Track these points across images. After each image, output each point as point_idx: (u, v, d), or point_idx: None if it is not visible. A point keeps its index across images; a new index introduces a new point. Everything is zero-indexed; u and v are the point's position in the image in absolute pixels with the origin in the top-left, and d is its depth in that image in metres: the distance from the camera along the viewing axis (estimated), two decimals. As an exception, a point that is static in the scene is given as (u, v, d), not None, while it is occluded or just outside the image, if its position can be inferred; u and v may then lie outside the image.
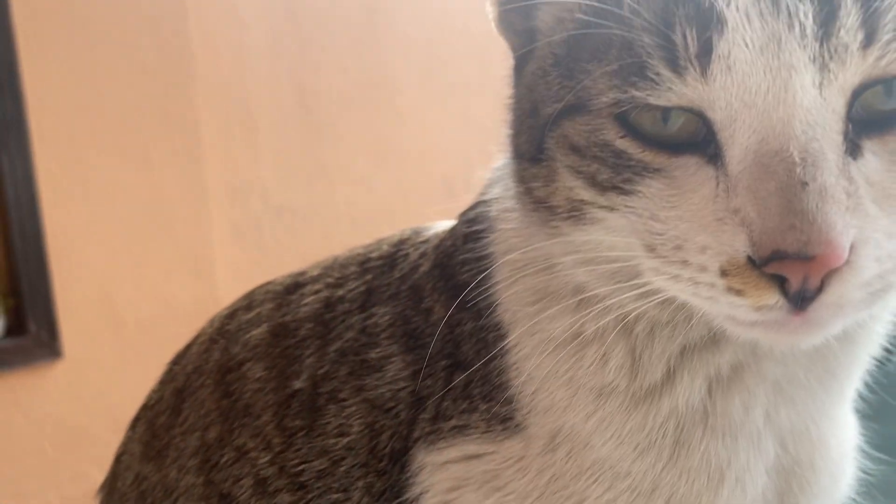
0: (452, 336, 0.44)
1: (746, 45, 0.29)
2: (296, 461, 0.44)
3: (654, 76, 0.31)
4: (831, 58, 0.30)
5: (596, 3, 0.33)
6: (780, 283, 0.31)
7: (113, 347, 2.37)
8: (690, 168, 0.33)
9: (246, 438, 0.47)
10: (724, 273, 0.32)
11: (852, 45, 0.30)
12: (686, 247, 0.32)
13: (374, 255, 0.51)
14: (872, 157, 0.32)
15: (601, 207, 0.35)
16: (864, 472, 0.48)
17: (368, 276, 0.49)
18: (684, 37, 0.30)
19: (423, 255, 0.50)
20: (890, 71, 0.31)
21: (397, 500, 0.43)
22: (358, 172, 2.89)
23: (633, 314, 0.39)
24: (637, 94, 0.32)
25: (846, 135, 0.31)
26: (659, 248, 0.33)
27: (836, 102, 0.31)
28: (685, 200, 0.32)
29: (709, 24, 0.30)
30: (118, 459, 0.53)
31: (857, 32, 0.30)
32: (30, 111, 2.05)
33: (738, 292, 0.32)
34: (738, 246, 0.31)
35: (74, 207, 2.20)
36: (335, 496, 0.43)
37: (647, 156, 0.33)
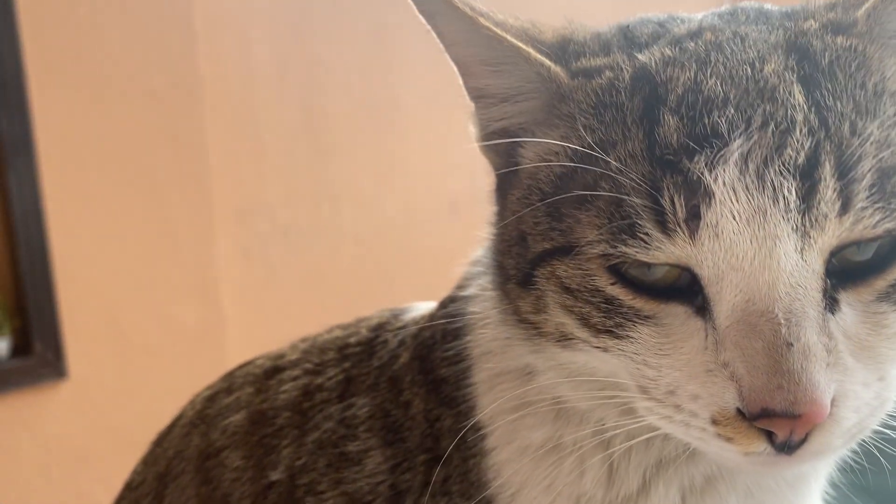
0: (432, 431, 0.44)
1: (733, 217, 0.31)
2: None
3: (643, 236, 0.32)
4: (812, 226, 0.32)
5: (583, 151, 0.33)
6: (768, 434, 0.33)
7: (118, 368, 2.38)
8: (679, 317, 0.34)
9: None
10: (714, 422, 0.33)
11: (830, 213, 0.32)
12: (678, 393, 0.34)
13: (352, 339, 0.51)
14: (848, 309, 0.34)
15: (595, 347, 0.36)
16: None
17: (347, 364, 0.49)
18: (672, 202, 0.31)
19: (401, 343, 0.49)
20: (864, 235, 0.33)
21: None
22: (364, 193, 2.90)
23: (611, 429, 0.39)
24: (627, 250, 0.33)
25: (825, 292, 0.33)
26: (652, 391, 0.34)
27: (816, 263, 0.33)
28: (676, 349, 0.34)
29: (696, 195, 0.31)
30: None
31: (834, 203, 0.32)
32: (37, 133, 2.07)
33: (728, 440, 0.34)
34: (728, 399, 0.33)
35: (81, 228, 2.21)
36: None
37: (638, 302, 0.34)
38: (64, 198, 2.16)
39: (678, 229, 0.32)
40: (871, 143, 0.31)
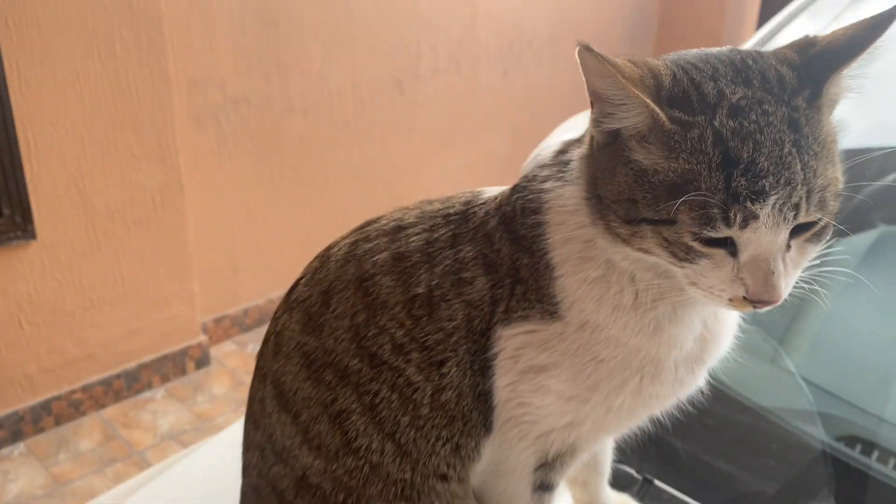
0: (514, 266, 0.68)
1: (765, 227, 0.57)
2: (422, 335, 0.69)
3: (718, 227, 0.57)
4: (791, 224, 0.58)
5: (682, 170, 0.57)
6: (754, 304, 0.61)
7: (84, 230, 2.49)
8: (721, 255, 0.60)
9: (386, 321, 0.70)
10: (730, 300, 0.61)
11: (800, 217, 0.58)
12: (714, 288, 0.61)
13: (451, 211, 0.74)
14: (793, 248, 0.60)
15: (673, 265, 0.61)
16: (737, 336, 0.76)
17: (452, 226, 0.72)
18: (735, 215, 0.56)
19: (487, 213, 0.72)
20: (807, 219, 0.59)
21: (483, 356, 0.68)
22: (312, 66, 2.98)
23: (643, 280, 0.66)
24: (706, 231, 0.58)
25: (787, 244, 0.60)
26: (699, 285, 0.61)
27: (787, 235, 0.59)
28: (718, 271, 0.60)
29: (750, 215, 0.57)
30: (279, 334, 0.74)
31: (803, 213, 0.58)
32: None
33: (734, 305, 0.61)
34: (741, 293, 0.61)
35: (43, 97, 2.25)
36: (448, 354, 0.68)
37: (704, 249, 0.60)
38: (25, 67, 2.19)
39: (736, 225, 0.57)
40: (819, 178, 0.58)
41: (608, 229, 0.63)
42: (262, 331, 3.90)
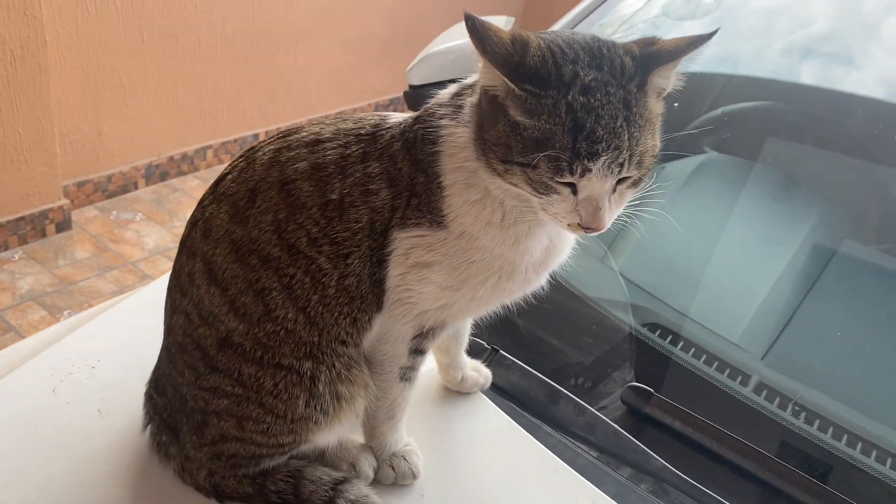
0: (412, 182, 0.84)
1: (597, 177, 0.74)
2: (332, 231, 0.83)
3: (565, 175, 0.73)
4: (616, 177, 0.75)
5: (543, 129, 0.72)
6: (585, 229, 0.78)
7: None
8: (566, 193, 0.76)
9: (304, 219, 0.83)
10: (569, 225, 0.78)
11: (623, 174, 0.75)
12: (558, 215, 0.77)
13: (362, 131, 0.87)
14: (617, 192, 0.77)
15: (532, 195, 0.77)
16: (574, 248, 0.97)
17: (362, 144, 0.86)
18: (577, 167, 0.72)
19: (392, 136, 0.86)
20: (628, 174, 0.76)
21: (381, 252, 0.85)
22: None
23: (510, 205, 0.83)
24: (556, 178, 0.74)
25: (613, 189, 0.76)
26: (548, 211, 0.78)
27: (612, 183, 0.76)
28: (563, 203, 0.76)
29: (585, 169, 0.73)
30: (207, 221, 0.87)
31: (625, 171, 0.75)
32: None
33: (572, 229, 0.79)
34: (577, 221, 0.77)
35: None
36: (353, 248, 0.84)
37: (557, 187, 0.75)
38: None
39: (576, 175, 0.73)
40: (640, 145, 0.74)
41: (488, 165, 0.79)
42: (127, 198, 3.88)
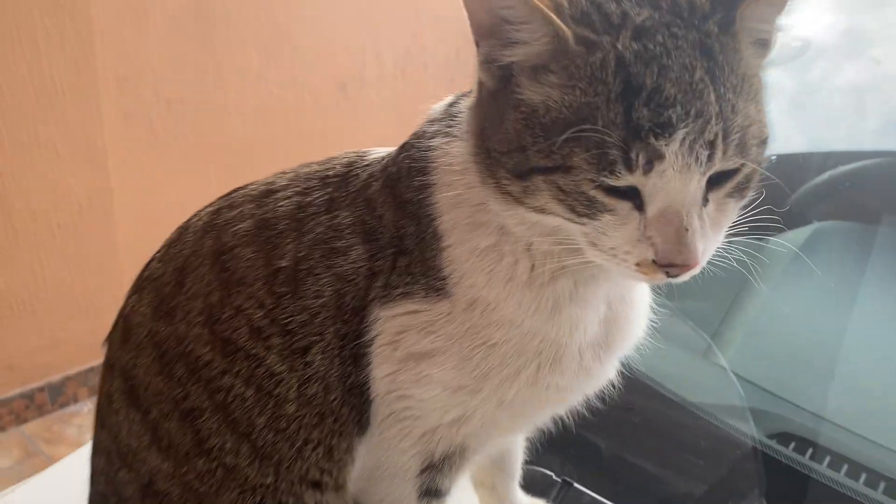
0: (398, 234, 0.60)
1: (673, 168, 0.49)
2: (284, 315, 0.60)
3: (617, 172, 0.50)
4: (707, 169, 0.50)
5: (578, 105, 0.49)
6: (666, 270, 0.53)
7: (5, 233, 2.36)
8: (626, 209, 0.52)
9: (242, 300, 0.61)
10: (637, 265, 0.53)
11: (717, 161, 0.50)
12: (617, 249, 0.53)
13: (330, 172, 0.65)
14: (711, 202, 0.53)
15: (573, 223, 0.53)
16: (652, 320, 0.69)
17: (329, 189, 0.63)
18: (637, 155, 0.48)
19: (371, 175, 0.64)
20: (727, 167, 0.52)
21: (357, 341, 0.60)
22: (250, 66, 2.89)
23: (539, 248, 0.58)
24: (605, 179, 0.50)
25: (704, 196, 0.52)
26: (600, 246, 0.53)
27: (703, 184, 0.52)
28: (623, 228, 0.52)
29: (654, 155, 0.49)
30: (127, 318, 0.65)
31: (720, 156, 0.50)
32: None
33: (643, 272, 0.53)
34: (649, 255, 0.53)
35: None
36: (314, 338, 0.59)
37: (606, 200, 0.52)
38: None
39: (637, 170, 0.49)
40: (739, 116, 0.50)
41: (499, 188, 0.55)
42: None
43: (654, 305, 0.71)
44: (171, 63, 2.67)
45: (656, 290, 0.71)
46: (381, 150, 0.67)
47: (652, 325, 0.70)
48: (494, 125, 0.54)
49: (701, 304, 1.06)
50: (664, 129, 0.47)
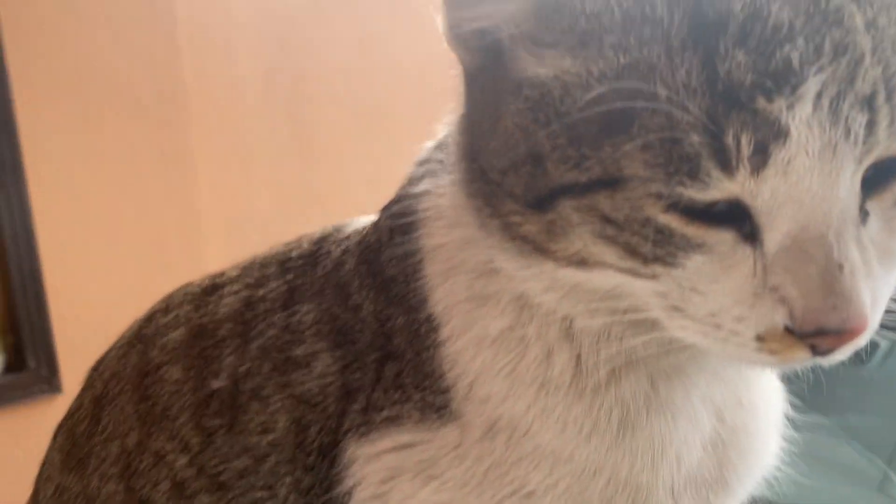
0: (383, 330, 0.45)
1: (807, 154, 0.30)
2: (215, 461, 0.45)
3: (704, 177, 0.31)
4: (867, 152, 0.32)
5: (614, 72, 0.31)
6: (811, 343, 0.34)
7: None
8: (727, 243, 0.34)
9: (164, 442, 0.47)
10: (759, 338, 0.34)
11: (882, 137, 0.32)
12: (721, 314, 0.34)
13: (294, 253, 0.51)
14: (874, 217, 0.34)
15: (634, 275, 0.34)
16: (789, 440, 0.47)
17: (290, 276, 0.49)
18: (738, 140, 0.30)
19: (345, 251, 0.50)
20: (893, 150, 0.32)
21: (326, 496, 0.42)
22: (354, 201, 2.90)
23: (577, 323, 0.39)
24: (684, 191, 0.31)
25: (861, 206, 0.33)
26: (689, 312, 0.34)
27: (857, 183, 0.33)
28: (726, 276, 0.33)
29: (769, 133, 0.30)
30: (40, 472, 0.52)
31: (887, 128, 0.31)
32: (25, 151, 2.08)
33: (773, 352, 0.34)
34: (778, 319, 0.33)
35: (71, 244, 2.22)
36: (259, 494, 0.43)
37: (690, 230, 0.33)
38: (53, 214, 2.17)
39: (741, 167, 0.31)
40: None
41: (506, 230, 0.37)
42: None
43: (794, 414, 0.50)
44: (276, 203, 2.71)
45: (796, 391, 0.49)
46: (367, 219, 0.51)
47: (789, 445, 0.49)
48: (487, 130, 0.36)
49: (869, 417, 0.78)
50: (782, 81, 0.28)
